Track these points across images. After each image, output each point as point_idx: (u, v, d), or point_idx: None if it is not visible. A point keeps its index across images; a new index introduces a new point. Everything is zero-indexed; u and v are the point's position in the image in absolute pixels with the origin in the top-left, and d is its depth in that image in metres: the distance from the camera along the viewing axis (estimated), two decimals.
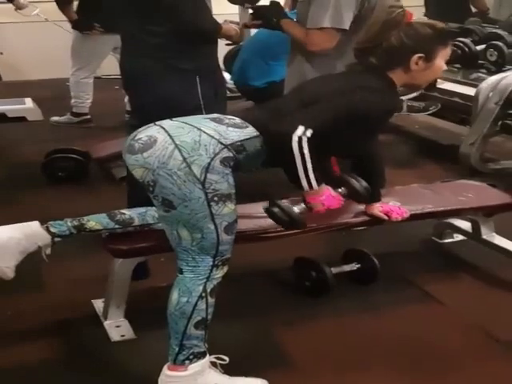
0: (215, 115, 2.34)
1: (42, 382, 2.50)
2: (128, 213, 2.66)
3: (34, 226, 2.53)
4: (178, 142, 2.16)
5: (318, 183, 2.24)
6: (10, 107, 5.10)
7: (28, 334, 2.77)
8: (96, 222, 2.60)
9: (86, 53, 5.94)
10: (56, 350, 2.68)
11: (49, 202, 4.07)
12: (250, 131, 2.28)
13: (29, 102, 5.19)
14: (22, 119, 5.01)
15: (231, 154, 2.21)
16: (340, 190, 2.36)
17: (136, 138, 2.23)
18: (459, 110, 5.06)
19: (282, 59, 4.58)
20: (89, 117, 6.11)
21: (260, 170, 2.50)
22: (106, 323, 2.80)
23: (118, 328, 2.78)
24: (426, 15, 6.83)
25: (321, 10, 3.23)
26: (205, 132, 2.20)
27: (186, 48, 3.05)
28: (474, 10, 6.95)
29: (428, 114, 5.35)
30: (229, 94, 6.17)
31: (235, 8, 6.56)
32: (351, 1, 3.21)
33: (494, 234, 3.26)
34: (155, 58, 3.08)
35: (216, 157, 2.17)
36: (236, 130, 2.26)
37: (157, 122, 2.27)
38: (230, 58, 5.96)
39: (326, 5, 3.22)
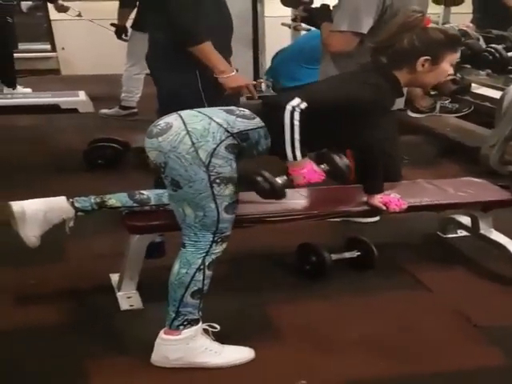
0: (229, 107, 2.57)
1: (56, 339, 2.77)
2: (146, 193, 2.94)
3: (61, 200, 2.83)
4: (189, 129, 2.40)
5: (302, 156, 2.41)
6: (63, 99, 5.41)
7: (47, 300, 3.04)
8: (116, 200, 2.88)
9: (141, 50, 6.23)
10: (70, 314, 2.95)
11: (85, 186, 4.25)
12: (257, 122, 2.50)
13: (82, 95, 5.48)
14: (74, 111, 5.34)
15: (236, 142, 2.44)
16: (323, 166, 2.50)
17: (156, 124, 2.49)
18: (487, 114, 5.18)
19: (315, 64, 4.82)
20: (135, 110, 6.41)
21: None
22: (119, 294, 3.06)
23: (128, 299, 3.03)
24: (472, 22, 6.92)
25: (342, 14, 3.43)
26: (215, 121, 2.43)
27: None
28: None
29: (460, 117, 5.49)
30: (272, 92, 6.44)
31: (288, 10, 6.82)
32: (372, 6, 3.39)
33: (493, 229, 3.39)
34: (162, 53, 3.31)
35: (222, 143, 2.40)
36: (244, 121, 2.48)
37: (177, 111, 2.51)
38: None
39: (347, 9, 3.42)
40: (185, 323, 2.53)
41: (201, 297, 2.52)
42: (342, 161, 2.53)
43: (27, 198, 2.80)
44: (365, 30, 3.41)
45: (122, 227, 2.99)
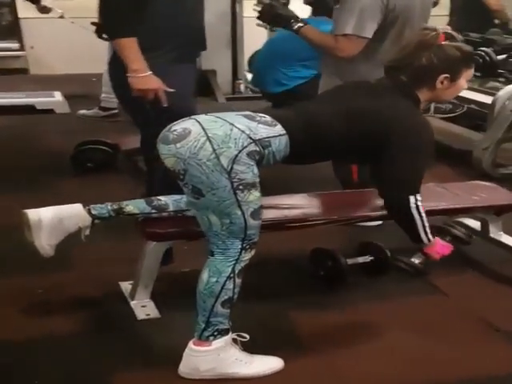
0: (248, 112, 2.51)
1: (69, 352, 2.67)
2: (164, 199, 2.87)
3: (77, 208, 2.75)
4: (210, 135, 2.33)
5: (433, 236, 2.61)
6: (39, 99, 5.31)
7: (58, 309, 2.96)
8: (134, 206, 2.82)
9: None
10: (83, 324, 2.86)
11: (77, 190, 4.22)
12: (278, 129, 2.44)
13: (58, 96, 5.38)
14: (50, 111, 5.21)
15: (258, 149, 2.38)
16: (447, 238, 2.84)
17: (171, 129, 2.40)
18: (475, 117, 5.22)
19: (295, 66, 4.78)
20: (116, 111, 6.20)
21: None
22: (133, 303, 2.97)
23: (143, 308, 2.95)
24: (449, 24, 6.97)
25: (346, 18, 3.42)
26: (236, 127, 2.37)
27: None
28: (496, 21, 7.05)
29: (444, 119, 5.52)
30: (250, 93, 6.40)
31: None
32: (376, 11, 3.40)
33: (502, 233, 3.43)
34: (113, 51, 3.18)
35: (244, 150, 2.34)
36: (265, 127, 2.42)
37: (192, 116, 2.45)
38: (252, 60, 6.12)
39: (351, 13, 3.41)
40: (215, 333, 2.48)
41: (231, 306, 2.47)
42: (460, 231, 2.97)
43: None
44: (369, 35, 3.43)
45: (129, 233, 2.94)
